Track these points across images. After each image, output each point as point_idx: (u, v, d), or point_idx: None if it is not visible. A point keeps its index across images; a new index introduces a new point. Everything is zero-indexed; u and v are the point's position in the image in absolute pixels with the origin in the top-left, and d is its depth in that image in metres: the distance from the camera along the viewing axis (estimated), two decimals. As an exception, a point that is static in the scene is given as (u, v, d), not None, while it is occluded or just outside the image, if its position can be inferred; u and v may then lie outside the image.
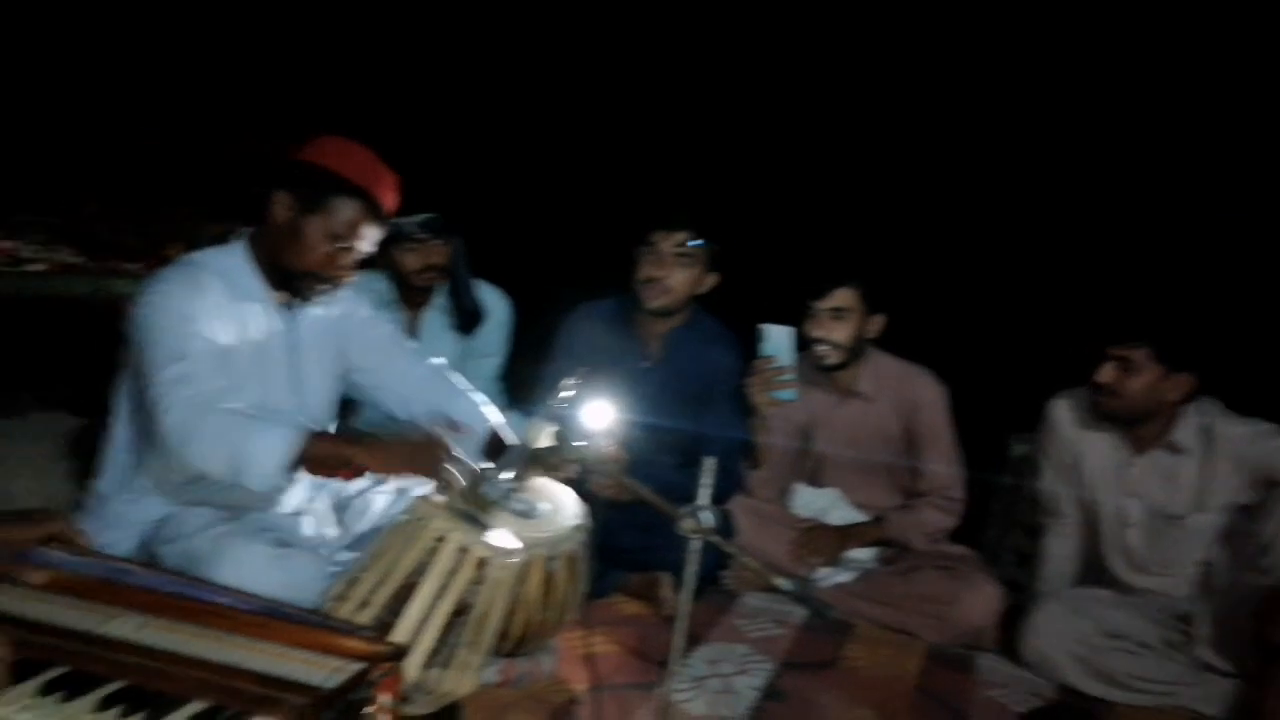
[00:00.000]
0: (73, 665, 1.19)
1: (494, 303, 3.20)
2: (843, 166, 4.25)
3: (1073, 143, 3.98)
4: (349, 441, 1.97)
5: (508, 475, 1.95)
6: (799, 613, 2.80)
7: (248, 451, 1.86)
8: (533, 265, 3.88)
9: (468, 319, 3.11)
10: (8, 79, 3.84)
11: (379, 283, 3.10)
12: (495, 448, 2.19)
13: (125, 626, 1.30)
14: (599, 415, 2.03)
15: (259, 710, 1.15)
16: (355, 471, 1.97)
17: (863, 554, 2.96)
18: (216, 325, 2.04)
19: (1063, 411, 2.76)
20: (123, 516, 2.12)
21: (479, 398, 2.32)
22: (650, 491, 1.89)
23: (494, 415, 2.28)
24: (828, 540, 2.93)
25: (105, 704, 1.13)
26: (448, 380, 2.35)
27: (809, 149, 4.29)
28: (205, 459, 1.88)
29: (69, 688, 1.14)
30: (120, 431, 2.16)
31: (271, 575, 1.88)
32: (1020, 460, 3.13)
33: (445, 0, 4.55)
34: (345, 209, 2.06)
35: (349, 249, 2.09)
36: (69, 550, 1.45)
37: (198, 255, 2.13)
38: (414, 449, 1.95)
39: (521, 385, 3.10)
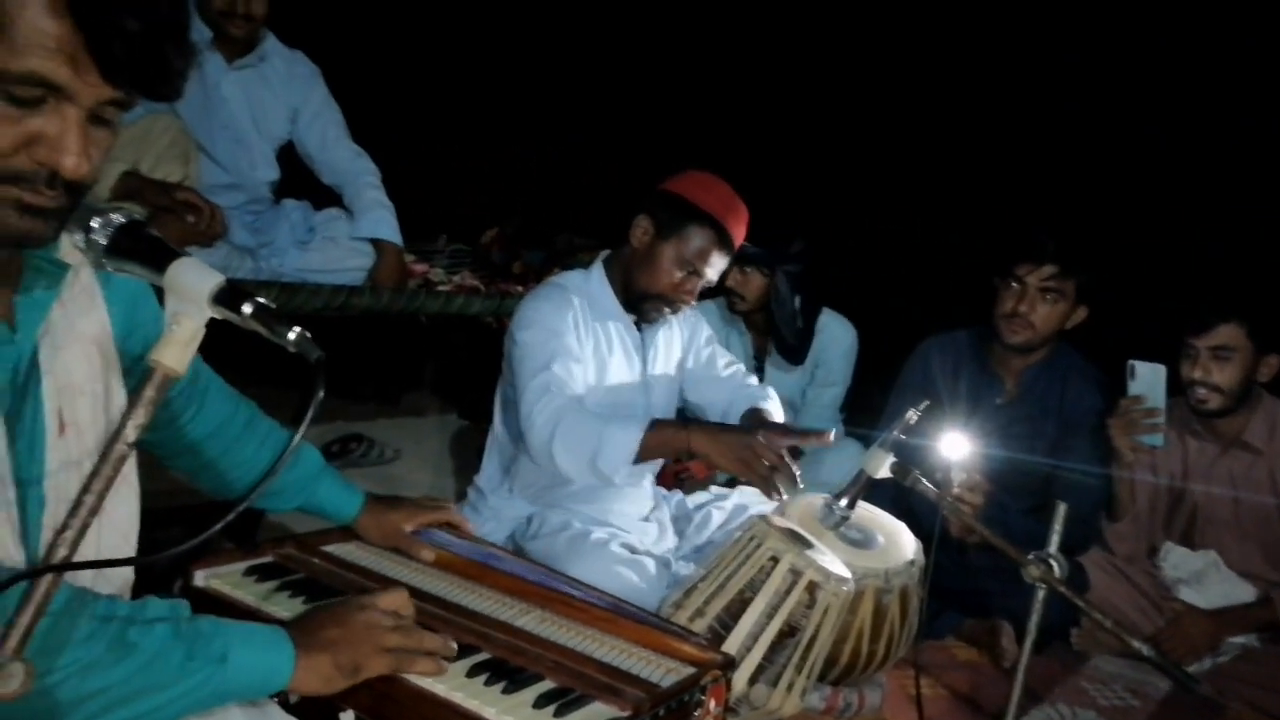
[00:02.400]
0: (449, 634, 1.37)
1: (839, 332, 3.21)
2: (1233, 191, 3.79)
3: None
4: (688, 427, 2.05)
5: (845, 503, 1.96)
6: (1160, 684, 2.52)
7: (602, 446, 2.01)
8: (884, 292, 3.84)
9: (787, 351, 3.15)
10: (437, 125, 4.45)
11: (722, 309, 3.23)
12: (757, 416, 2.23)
13: (494, 606, 1.47)
14: (955, 447, 1.98)
15: (600, 697, 1.26)
16: (700, 472, 2.06)
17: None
18: (579, 340, 2.24)
19: None
20: (497, 511, 2.38)
21: (764, 390, 2.39)
22: (996, 534, 1.81)
23: (766, 404, 2.34)
24: (1200, 631, 2.55)
25: (472, 671, 1.28)
26: (749, 386, 2.43)
27: (1192, 171, 3.88)
28: (565, 457, 2.05)
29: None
30: (498, 434, 2.42)
31: (617, 577, 2.03)
32: None
33: (792, 36, 4.64)
34: (697, 237, 2.19)
35: (696, 276, 2.21)
36: (455, 534, 1.67)
37: (563, 278, 2.36)
38: (744, 443, 1.98)
39: (864, 413, 3.08)
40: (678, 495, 2.55)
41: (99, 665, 0.99)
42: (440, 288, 3.27)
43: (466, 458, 3.27)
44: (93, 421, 1.12)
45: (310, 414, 0.86)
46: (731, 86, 4.74)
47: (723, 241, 2.20)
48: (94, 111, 0.94)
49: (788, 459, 1.97)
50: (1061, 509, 1.79)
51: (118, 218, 0.92)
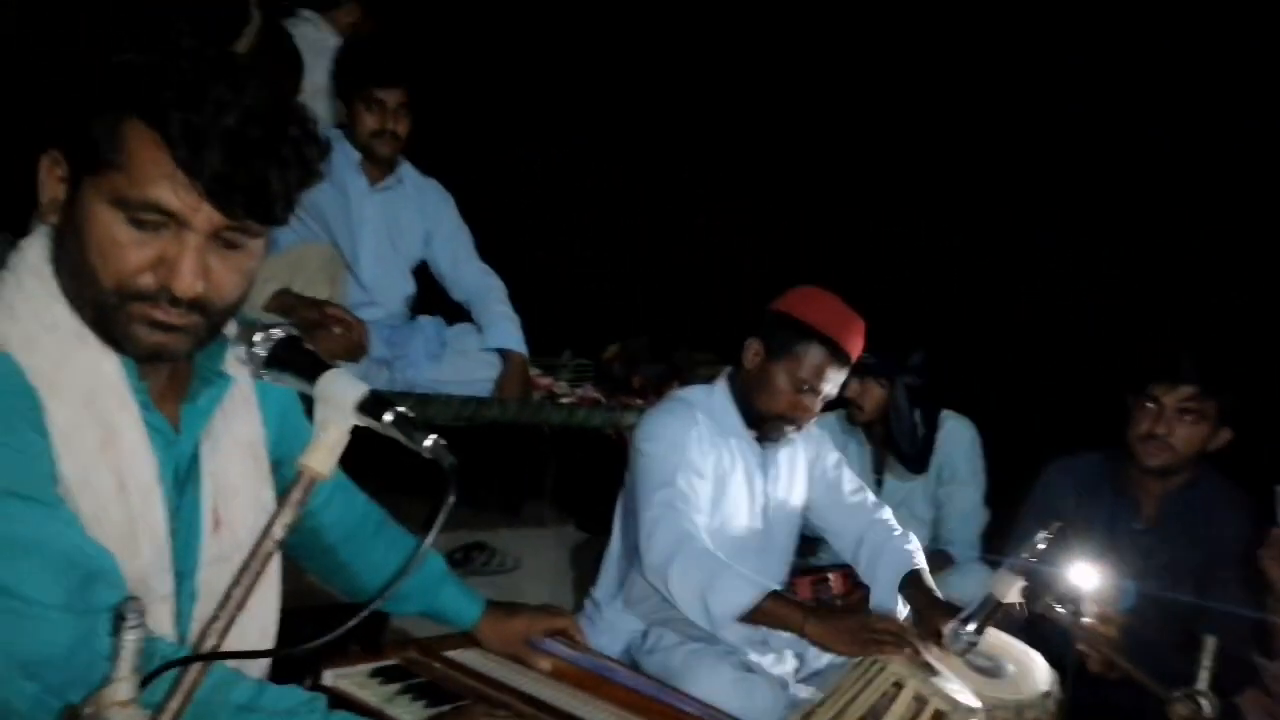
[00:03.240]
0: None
1: (957, 428, 3.15)
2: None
3: None
4: (805, 610, 2.02)
5: (973, 628, 1.89)
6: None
7: (713, 591, 2.00)
8: (1012, 409, 3.74)
9: (907, 461, 3.09)
10: (561, 247, 4.62)
11: (841, 420, 3.20)
12: (921, 593, 2.14)
13: (610, 718, 1.47)
14: (1085, 577, 1.90)
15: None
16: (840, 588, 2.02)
17: None
18: (701, 457, 2.25)
19: None
20: (612, 624, 2.38)
21: (910, 542, 2.30)
22: (1138, 668, 1.72)
23: (919, 560, 2.24)
24: None
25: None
26: (885, 524, 2.36)
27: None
28: (677, 586, 2.05)
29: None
30: (616, 547, 2.43)
31: (733, 697, 1.98)
32: None
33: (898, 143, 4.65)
34: (809, 355, 2.19)
35: (813, 393, 2.21)
36: (570, 645, 1.68)
37: (686, 392, 2.39)
38: (860, 624, 1.94)
39: (992, 535, 2.97)
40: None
41: None
42: (563, 400, 3.35)
43: (585, 569, 3.28)
44: (244, 520, 1.20)
45: (441, 518, 0.90)
46: (862, 203, 4.76)
47: (836, 356, 2.20)
48: (217, 236, 1.04)
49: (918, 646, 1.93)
50: (1210, 643, 1.69)
51: (277, 333, 1.00)
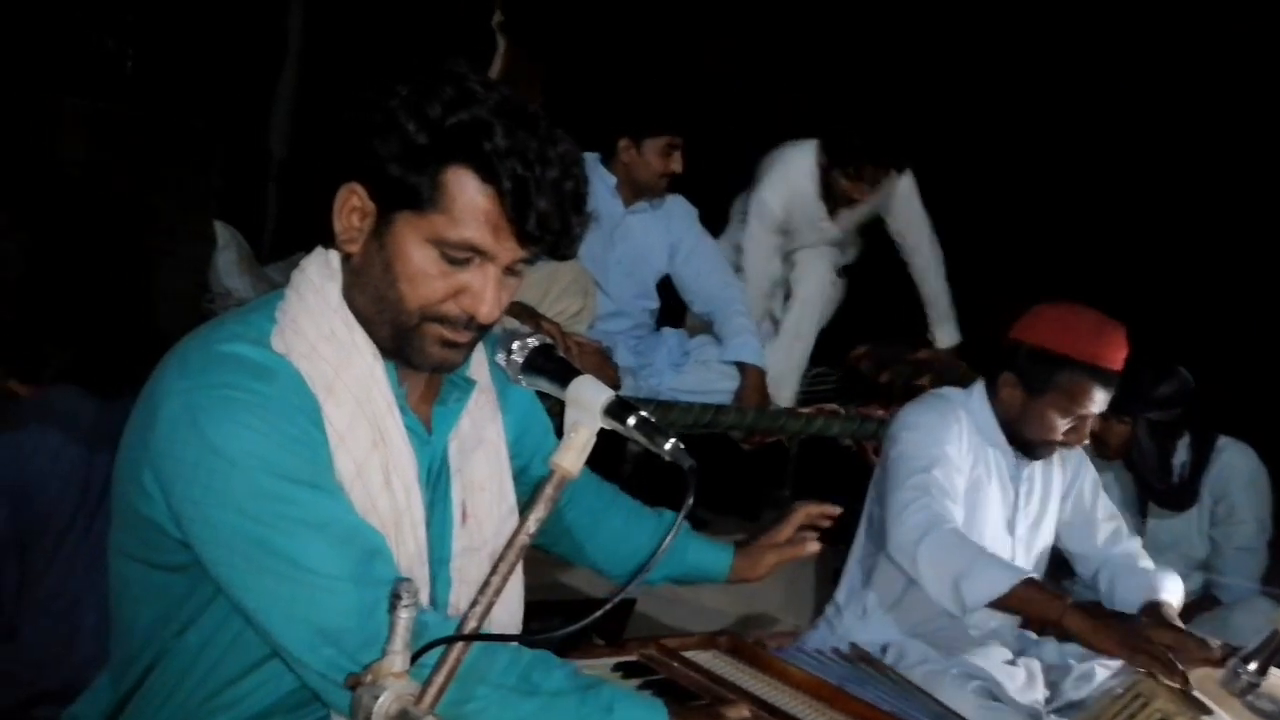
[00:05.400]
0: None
1: (1236, 458, 2.87)
2: None
3: None
4: (1066, 601, 1.93)
5: (1254, 667, 1.73)
6: None
7: (968, 573, 1.94)
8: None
9: (1160, 499, 2.83)
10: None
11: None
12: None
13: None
14: None
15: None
16: (1061, 632, 1.93)
17: None
18: (960, 455, 2.19)
19: None
20: (851, 631, 2.34)
21: (1165, 576, 2.16)
22: None
23: (1168, 594, 2.10)
24: None
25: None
26: (1131, 553, 2.26)
27: None
28: (925, 565, 1.99)
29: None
30: (858, 550, 2.40)
31: (977, 722, 1.91)
32: None
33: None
34: (1077, 387, 2.08)
35: (1083, 418, 2.11)
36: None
37: (947, 391, 2.34)
38: (1132, 631, 1.83)
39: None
40: (1051, 642, 2.36)
41: (510, 700, 1.10)
42: (801, 409, 3.35)
43: (821, 578, 3.25)
44: (489, 513, 1.30)
45: (683, 514, 0.94)
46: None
47: (1103, 378, 2.09)
48: (508, 267, 1.15)
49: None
50: None
51: (532, 341, 1.08)
